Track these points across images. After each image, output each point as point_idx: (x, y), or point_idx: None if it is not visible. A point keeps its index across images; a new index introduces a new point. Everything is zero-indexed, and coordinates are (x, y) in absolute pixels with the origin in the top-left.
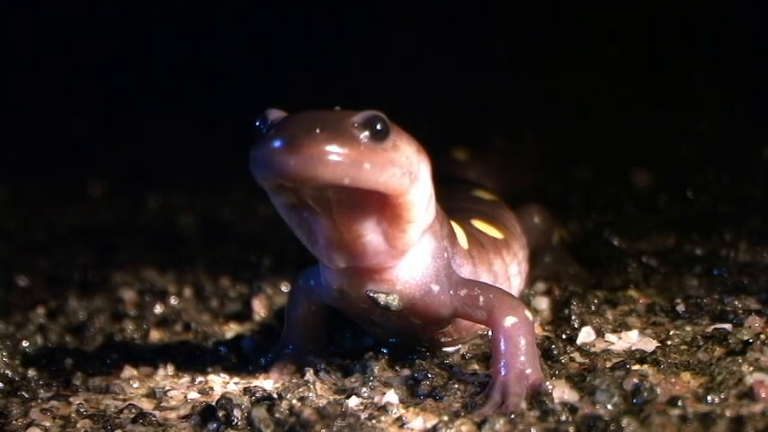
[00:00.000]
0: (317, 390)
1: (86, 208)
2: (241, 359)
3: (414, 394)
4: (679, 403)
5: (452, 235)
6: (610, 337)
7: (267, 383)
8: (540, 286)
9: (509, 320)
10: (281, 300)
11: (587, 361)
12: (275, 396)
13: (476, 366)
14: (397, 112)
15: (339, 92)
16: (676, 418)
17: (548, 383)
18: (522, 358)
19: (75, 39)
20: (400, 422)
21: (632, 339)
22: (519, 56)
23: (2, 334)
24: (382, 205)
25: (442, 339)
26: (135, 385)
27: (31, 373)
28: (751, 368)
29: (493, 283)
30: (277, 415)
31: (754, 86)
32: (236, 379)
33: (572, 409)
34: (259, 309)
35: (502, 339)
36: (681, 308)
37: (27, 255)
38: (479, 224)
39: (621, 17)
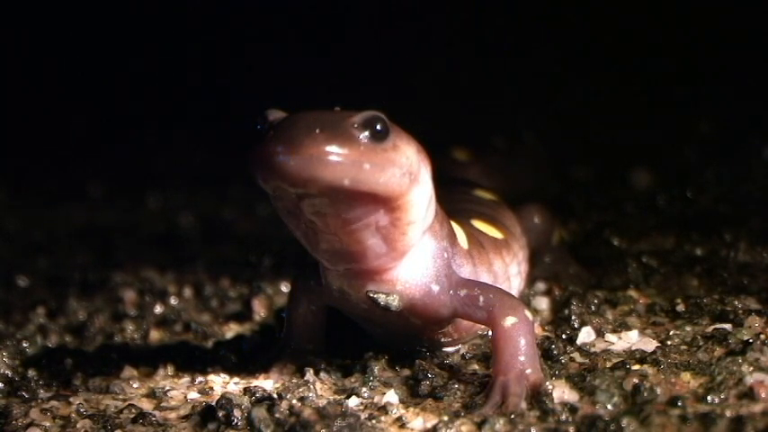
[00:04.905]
0: (317, 390)
1: (86, 208)
2: (241, 359)
3: (414, 394)
4: (679, 403)
5: (452, 235)
6: (610, 337)
7: (267, 383)
8: (540, 286)
9: (509, 320)
10: (281, 300)
11: (587, 361)
12: (275, 396)
13: (476, 366)
14: (397, 112)
15: (339, 92)
16: (676, 418)
17: (548, 383)
18: (522, 358)
19: (76, 39)
20: (400, 422)
21: (632, 339)
22: (519, 56)
23: (2, 334)
24: (382, 208)
25: (442, 339)
26: (135, 385)
27: (31, 373)
28: (751, 368)
29: (493, 283)
30: (277, 415)
31: (754, 86)
32: (236, 379)
33: (572, 409)
34: (259, 309)
35: (502, 339)
36: (681, 308)
37: (27, 255)
38: (479, 224)
39: (622, 17)
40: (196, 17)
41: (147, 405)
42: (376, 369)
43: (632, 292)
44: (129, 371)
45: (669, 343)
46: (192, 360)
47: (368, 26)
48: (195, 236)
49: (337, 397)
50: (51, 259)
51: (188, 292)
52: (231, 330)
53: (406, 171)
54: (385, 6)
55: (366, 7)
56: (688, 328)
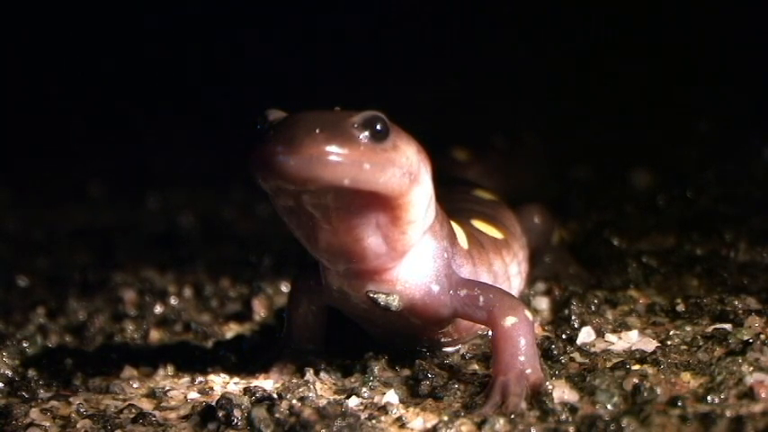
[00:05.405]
0: (317, 390)
1: (86, 208)
2: (241, 359)
3: (414, 394)
4: (679, 403)
5: (452, 235)
6: (610, 337)
7: (267, 383)
8: (540, 286)
9: (509, 320)
10: (281, 300)
11: (587, 361)
12: (275, 396)
13: (476, 366)
14: (397, 112)
15: (339, 92)
16: (676, 418)
17: (548, 383)
18: (522, 358)
19: (75, 39)
20: (400, 422)
21: (632, 339)
22: (520, 56)
23: (2, 334)
24: (382, 207)
25: (442, 339)
26: (135, 385)
27: (31, 373)
28: (751, 368)
29: (493, 283)
30: (277, 415)
31: (754, 86)
32: (236, 379)
33: (572, 409)
34: (259, 309)
35: (502, 339)
36: (681, 308)
37: (27, 255)
38: (479, 224)
39: (621, 17)
40: (196, 17)
41: (147, 405)
42: (376, 369)
43: (632, 292)
44: (129, 371)
45: (669, 343)
46: (192, 360)
47: (368, 26)
48: (195, 236)
49: (337, 397)
50: (51, 259)
51: (188, 292)
52: (231, 330)
53: (406, 171)
54: (385, 6)
55: (366, 7)
56: (688, 328)
